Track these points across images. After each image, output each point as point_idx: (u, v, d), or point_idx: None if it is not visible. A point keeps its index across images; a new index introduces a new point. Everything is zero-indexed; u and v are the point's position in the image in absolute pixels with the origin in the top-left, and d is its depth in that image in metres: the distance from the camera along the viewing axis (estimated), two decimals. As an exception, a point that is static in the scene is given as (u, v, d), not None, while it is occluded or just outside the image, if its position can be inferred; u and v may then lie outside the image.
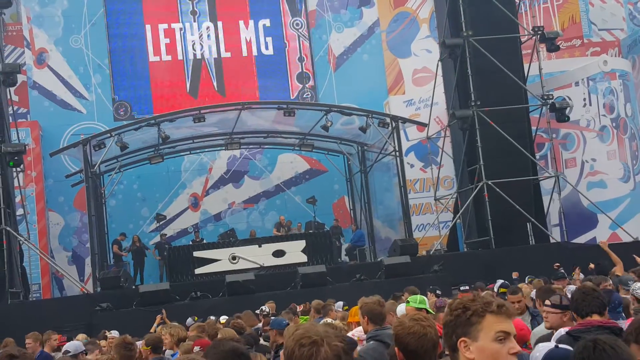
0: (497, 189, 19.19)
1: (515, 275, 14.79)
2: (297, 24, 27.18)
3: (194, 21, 26.60)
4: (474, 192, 19.76)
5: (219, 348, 3.46)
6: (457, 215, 20.97)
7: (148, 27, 26.19)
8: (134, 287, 18.52)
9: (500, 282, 10.68)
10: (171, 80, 26.15)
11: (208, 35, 26.60)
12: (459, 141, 21.23)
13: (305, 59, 27.13)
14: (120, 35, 26.02)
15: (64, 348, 8.11)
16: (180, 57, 26.34)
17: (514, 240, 19.15)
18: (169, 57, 26.24)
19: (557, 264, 14.02)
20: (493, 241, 19.27)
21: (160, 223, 23.67)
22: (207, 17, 26.66)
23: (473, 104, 19.84)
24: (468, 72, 20.02)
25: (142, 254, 22.58)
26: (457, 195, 21.64)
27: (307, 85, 27.01)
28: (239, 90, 26.09)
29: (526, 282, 12.04)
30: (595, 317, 4.69)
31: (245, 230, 24.36)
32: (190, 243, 22.44)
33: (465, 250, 21.13)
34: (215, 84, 26.38)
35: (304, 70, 27.09)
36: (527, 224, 19.48)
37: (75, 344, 8.19)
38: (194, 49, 26.37)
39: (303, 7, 27.28)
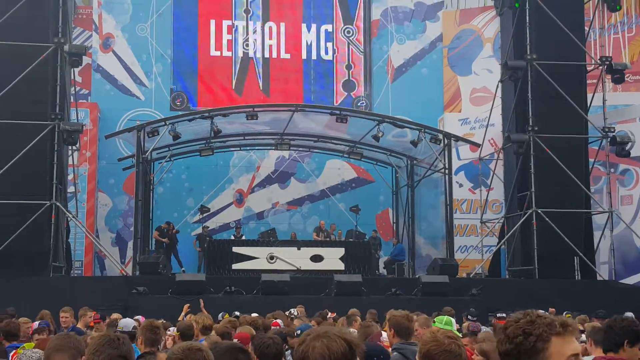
0: (547, 219, 18.80)
1: (551, 311, 14.42)
2: (349, 32, 27.17)
3: (248, 20, 26.82)
4: (522, 219, 19.40)
5: (220, 345, 3.51)
6: (502, 241, 20.62)
7: (204, 21, 26.51)
8: (171, 274, 18.69)
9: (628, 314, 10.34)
10: (218, 76, 26.40)
11: (254, 32, 26.77)
12: (511, 165, 20.88)
13: (353, 67, 27.09)
14: (182, 27, 26.42)
15: (119, 324, 8.22)
16: (230, 53, 26.57)
17: (559, 273, 18.69)
18: (217, 53, 26.52)
19: None
20: (537, 271, 18.88)
21: (204, 215, 23.86)
22: (260, 17, 26.85)
23: (530, 129, 19.51)
24: (528, 96, 19.70)
25: (173, 241, 22.54)
26: (504, 220, 21.28)
27: (362, 94, 26.97)
28: (284, 92, 26.21)
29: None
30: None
31: (286, 232, 24.39)
32: (232, 238, 22.56)
33: (507, 277, 20.74)
34: (260, 83, 26.54)
35: (351, 78, 27.06)
36: (575, 257, 18.95)
37: (127, 321, 8.30)
38: (244, 47, 26.59)
39: (357, 15, 27.24)
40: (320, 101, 25.75)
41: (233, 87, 26.45)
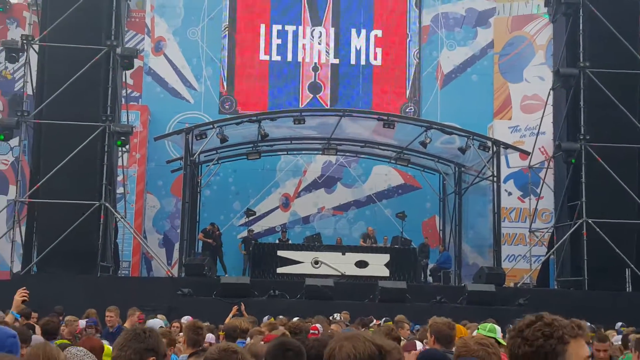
0: (597, 229, 18.38)
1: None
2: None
3: (308, 25, 26.93)
4: (572, 229, 19.01)
5: (272, 342, 3.50)
6: (551, 251, 20.23)
7: (258, 26, 26.74)
8: (216, 277, 18.82)
9: (618, 324, 10.09)
10: (263, 80, 26.53)
11: (318, 41, 26.87)
12: (562, 174, 20.48)
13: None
14: (234, 31, 26.67)
15: (147, 324, 8.32)
16: (287, 58, 26.70)
17: (609, 285, 18.24)
18: (266, 57, 26.67)
19: None
20: (586, 282, 18.47)
21: (250, 218, 23.97)
22: (319, 22, 26.92)
23: (582, 137, 19.11)
24: (580, 104, 19.32)
25: (218, 243, 22.63)
26: (553, 229, 20.87)
27: (412, 100, 26.82)
28: (339, 96, 26.23)
29: (617, 329, 11.43)
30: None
31: (332, 237, 24.36)
32: (277, 242, 22.62)
33: (556, 287, 20.33)
34: (317, 88, 26.59)
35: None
36: (626, 269, 18.50)
37: (155, 322, 8.41)
38: (302, 52, 26.68)
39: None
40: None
41: (285, 92, 26.59)
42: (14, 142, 20.88)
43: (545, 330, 2.49)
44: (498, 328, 5.89)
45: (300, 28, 26.92)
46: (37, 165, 18.00)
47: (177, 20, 26.37)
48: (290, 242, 22.42)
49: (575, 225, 18.91)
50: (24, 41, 18.28)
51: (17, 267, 18.07)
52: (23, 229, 18.10)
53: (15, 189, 18.47)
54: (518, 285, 19.48)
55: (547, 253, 20.61)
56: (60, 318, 10.29)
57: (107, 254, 18.20)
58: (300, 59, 26.72)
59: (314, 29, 26.97)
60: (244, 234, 24.11)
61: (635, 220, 19.19)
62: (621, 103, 18.73)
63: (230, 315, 12.33)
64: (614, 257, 18.14)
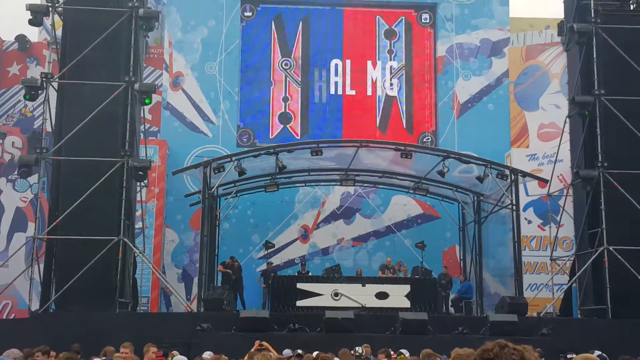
0: (619, 256, 18.16)
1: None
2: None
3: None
4: (593, 257, 18.78)
5: None
6: (573, 279, 19.97)
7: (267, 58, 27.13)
8: (235, 311, 18.73)
9: (597, 353, 9.91)
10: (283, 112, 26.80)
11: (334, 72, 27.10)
12: (581, 201, 20.30)
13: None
14: (251, 65, 26.95)
15: None
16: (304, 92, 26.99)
17: (633, 313, 17.97)
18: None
19: None
20: (610, 311, 18.19)
21: (269, 251, 23.92)
22: (336, 54, 27.16)
23: (600, 164, 18.99)
24: (597, 132, 19.23)
25: (239, 277, 22.61)
26: (575, 257, 20.64)
27: (428, 131, 26.85)
28: (358, 127, 26.33)
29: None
30: None
31: (351, 268, 24.23)
32: (296, 274, 22.54)
33: (579, 316, 20.04)
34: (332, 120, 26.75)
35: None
36: (650, 296, 18.26)
37: (181, 359, 8.30)
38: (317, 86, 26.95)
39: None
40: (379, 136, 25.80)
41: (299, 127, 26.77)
42: (33, 179, 21.11)
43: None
44: None
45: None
46: (55, 201, 18.09)
47: (195, 56, 26.70)
48: (310, 274, 22.32)
49: (597, 253, 18.69)
50: (43, 79, 18.46)
51: (35, 305, 18.09)
52: (42, 266, 18.13)
53: (34, 226, 18.56)
54: (541, 314, 19.23)
55: (569, 281, 20.35)
56: (79, 356, 10.25)
57: (125, 290, 18.17)
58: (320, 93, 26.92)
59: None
60: (263, 266, 24.06)
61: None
62: (637, 129, 18.64)
63: (253, 349, 12.23)
64: (637, 285, 17.88)
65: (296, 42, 27.33)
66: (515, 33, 28.29)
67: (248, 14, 27.36)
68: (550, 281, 21.18)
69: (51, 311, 17.47)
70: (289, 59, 27.27)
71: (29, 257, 19.27)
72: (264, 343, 13.08)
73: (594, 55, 19.50)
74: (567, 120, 21.17)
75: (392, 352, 11.61)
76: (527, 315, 18.20)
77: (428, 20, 27.65)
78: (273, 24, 27.39)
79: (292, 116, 26.99)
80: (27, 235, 20.56)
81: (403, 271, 22.85)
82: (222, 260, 22.94)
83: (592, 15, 19.54)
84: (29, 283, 18.12)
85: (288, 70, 27.24)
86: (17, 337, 13.21)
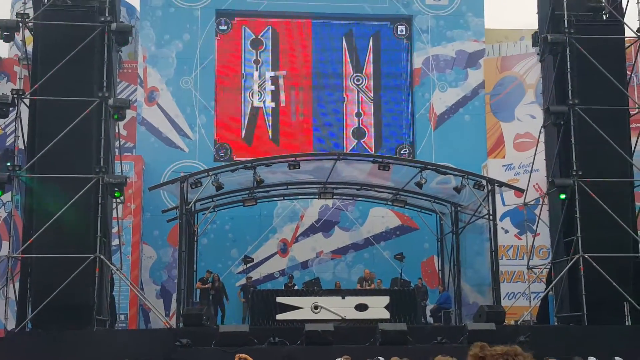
0: (594, 264, 18.33)
1: None
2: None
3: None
4: (569, 264, 18.94)
5: None
6: (549, 287, 20.12)
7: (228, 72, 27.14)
8: (215, 326, 18.62)
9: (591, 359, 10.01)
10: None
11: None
12: (557, 210, 20.48)
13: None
14: (223, 79, 26.96)
15: None
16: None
17: (608, 319, 18.15)
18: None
19: None
20: (586, 317, 18.34)
21: (247, 266, 23.87)
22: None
23: (574, 173, 19.19)
24: (571, 141, 19.44)
25: (221, 293, 22.59)
26: (551, 265, 20.80)
27: (406, 143, 27.00)
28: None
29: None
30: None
31: (331, 281, 24.22)
32: (284, 287, 22.50)
33: (556, 323, 20.18)
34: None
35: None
36: (625, 303, 18.44)
37: None
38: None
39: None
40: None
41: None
42: (6, 197, 20.84)
43: None
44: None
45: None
46: (29, 220, 17.83)
47: (170, 70, 26.59)
48: (297, 287, 22.28)
49: (572, 261, 18.85)
50: (15, 95, 18.20)
51: (11, 325, 17.82)
52: (17, 285, 17.89)
53: (8, 244, 18.32)
54: (518, 322, 19.32)
55: (545, 289, 20.50)
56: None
57: (103, 308, 17.96)
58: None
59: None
60: (243, 281, 23.97)
61: (631, 254, 19.16)
62: (612, 138, 18.86)
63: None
64: (612, 291, 18.05)
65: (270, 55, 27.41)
66: (490, 44, 28.57)
67: (223, 27, 27.36)
68: (527, 289, 21.33)
69: (27, 330, 17.24)
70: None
71: (3, 277, 19.02)
72: (244, 355, 13.00)
73: (568, 66, 19.72)
74: (542, 130, 21.39)
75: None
76: (504, 323, 18.28)
77: (404, 33, 27.84)
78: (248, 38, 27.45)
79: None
80: (1, 254, 20.27)
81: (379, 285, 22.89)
82: (200, 276, 22.85)
83: (566, 26, 19.76)
84: (4, 302, 17.87)
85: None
86: (-8, 357, 13.02)
